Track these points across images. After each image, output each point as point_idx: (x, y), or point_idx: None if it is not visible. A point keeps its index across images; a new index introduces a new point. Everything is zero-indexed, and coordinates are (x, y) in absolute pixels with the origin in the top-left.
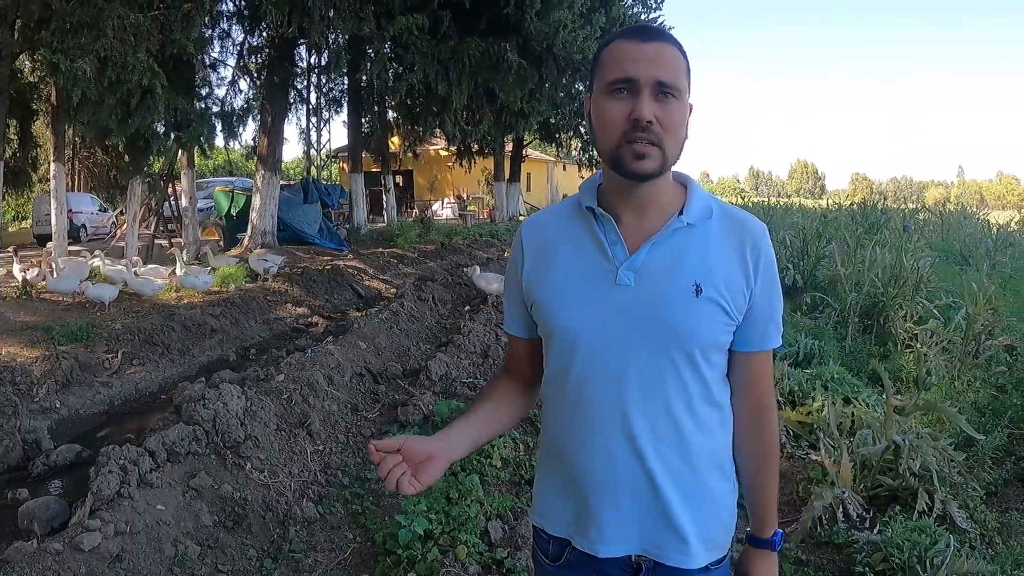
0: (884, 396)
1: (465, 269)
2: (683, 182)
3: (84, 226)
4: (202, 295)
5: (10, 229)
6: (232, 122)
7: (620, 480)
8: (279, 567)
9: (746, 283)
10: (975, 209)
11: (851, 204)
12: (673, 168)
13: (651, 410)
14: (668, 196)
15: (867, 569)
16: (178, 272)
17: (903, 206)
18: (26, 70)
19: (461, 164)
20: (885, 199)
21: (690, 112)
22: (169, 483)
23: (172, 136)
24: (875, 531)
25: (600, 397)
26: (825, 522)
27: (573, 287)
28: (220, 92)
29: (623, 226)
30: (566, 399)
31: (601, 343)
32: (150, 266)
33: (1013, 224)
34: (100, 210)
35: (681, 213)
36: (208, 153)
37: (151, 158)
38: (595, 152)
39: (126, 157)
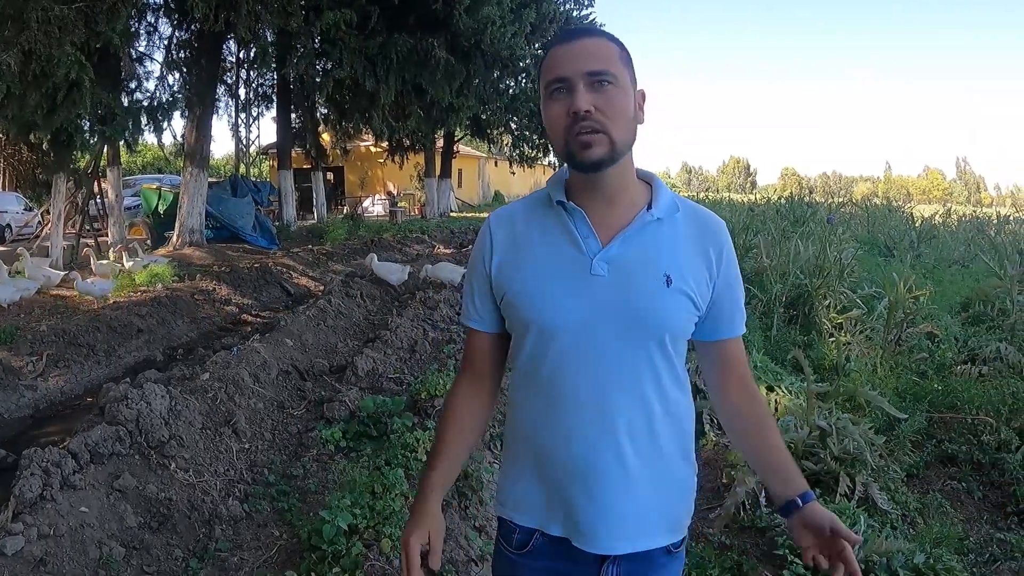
0: (806, 383)
1: (366, 260)
2: (648, 179)
3: (9, 226)
4: (127, 294)
5: None
6: (157, 117)
7: (597, 469)
8: (205, 567)
9: (709, 276)
10: (901, 203)
11: (779, 198)
12: (636, 165)
13: (627, 398)
14: (635, 190)
15: (788, 551)
16: (95, 270)
17: (830, 200)
18: None
19: (393, 160)
20: (812, 193)
21: (642, 98)
22: (93, 485)
23: (97, 131)
24: None
25: (577, 387)
26: (748, 507)
27: (548, 279)
28: (148, 86)
29: (593, 219)
30: (540, 391)
31: (577, 333)
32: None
33: (937, 217)
34: (25, 209)
35: (650, 207)
36: (133, 148)
37: (76, 154)
38: (528, 148)
39: (51, 153)
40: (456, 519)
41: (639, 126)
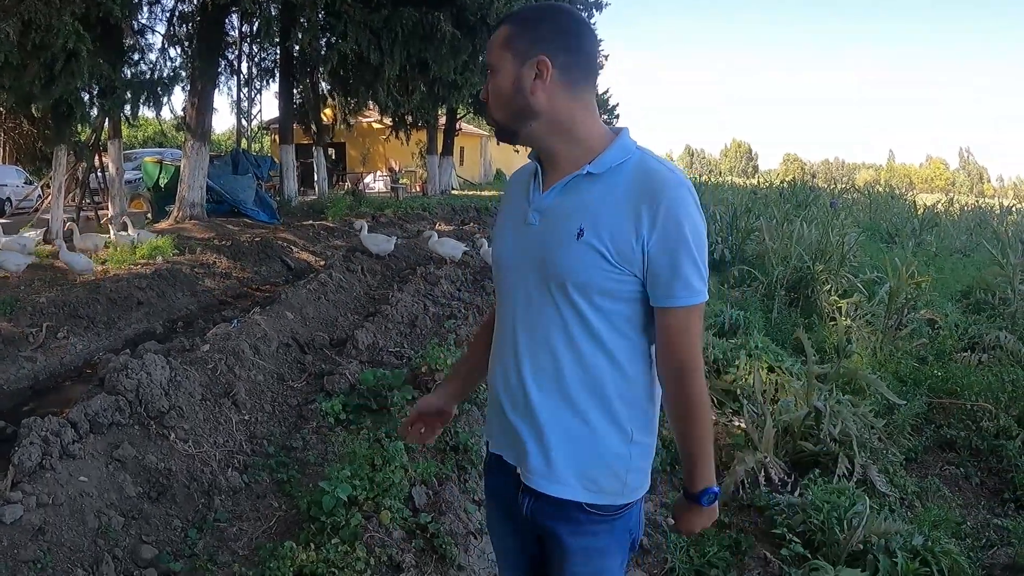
0: (806, 364)
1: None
2: (617, 133)
3: (9, 199)
4: (127, 267)
5: None
6: (158, 91)
7: (506, 392)
8: (204, 537)
9: (636, 235)
10: (904, 192)
11: (781, 183)
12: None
13: (534, 338)
14: (582, 148)
15: (787, 530)
16: (77, 244)
17: (833, 186)
18: None
19: (397, 136)
20: (815, 178)
21: (545, 66)
22: (92, 454)
23: (97, 104)
24: (796, 494)
25: (504, 319)
26: (748, 486)
27: (504, 224)
28: (150, 59)
29: (544, 175)
30: (497, 319)
31: (509, 273)
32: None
33: (939, 206)
34: (25, 182)
35: (590, 163)
36: (132, 121)
37: (76, 127)
38: None
39: (50, 125)
40: (456, 492)
41: (541, 94)
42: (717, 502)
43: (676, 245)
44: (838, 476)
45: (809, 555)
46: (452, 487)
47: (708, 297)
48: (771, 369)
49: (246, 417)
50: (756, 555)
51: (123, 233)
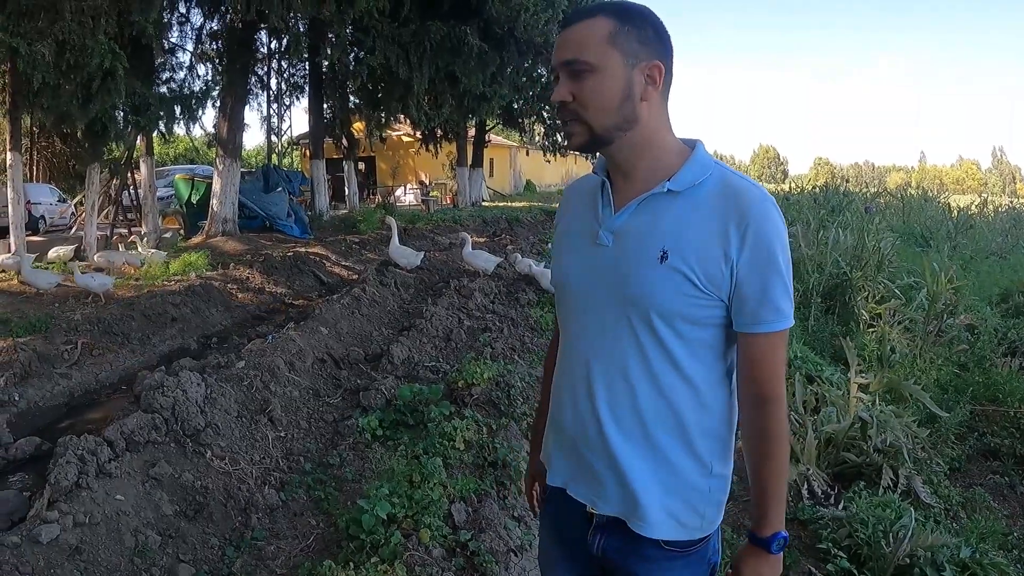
0: (848, 374)
1: (460, 233)
2: (691, 146)
3: (43, 217)
4: (162, 283)
5: None
6: (191, 106)
7: (576, 424)
8: (241, 555)
9: (724, 257)
10: (935, 194)
11: (813, 187)
12: (676, 134)
13: (609, 367)
14: (660, 161)
15: (831, 544)
16: (95, 262)
17: (865, 190)
18: None
19: (427, 149)
20: (847, 182)
21: (659, 71)
22: (128, 473)
23: (131, 121)
24: (840, 507)
25: (575, 348)
26: (790, 499)
27: (568, 243)
28: (179, 77)
29: (615, 190)
30: (560, 345)
31: (579, 298)
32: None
33: (973, 208)
34: (59, 200)
35: (670, 179)
36: (167, 138)
37: (110, 144)
38: (560, 137)
39: (85, 144)
40: (495, 509)
41: (646, 102)
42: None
43: (767, 266)
44: (882, 488)
45: (855, 570)
46: (491, 503)
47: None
48: (810, 379)
49: (282, 434)
50: (801, 570)
51: (132, 252)
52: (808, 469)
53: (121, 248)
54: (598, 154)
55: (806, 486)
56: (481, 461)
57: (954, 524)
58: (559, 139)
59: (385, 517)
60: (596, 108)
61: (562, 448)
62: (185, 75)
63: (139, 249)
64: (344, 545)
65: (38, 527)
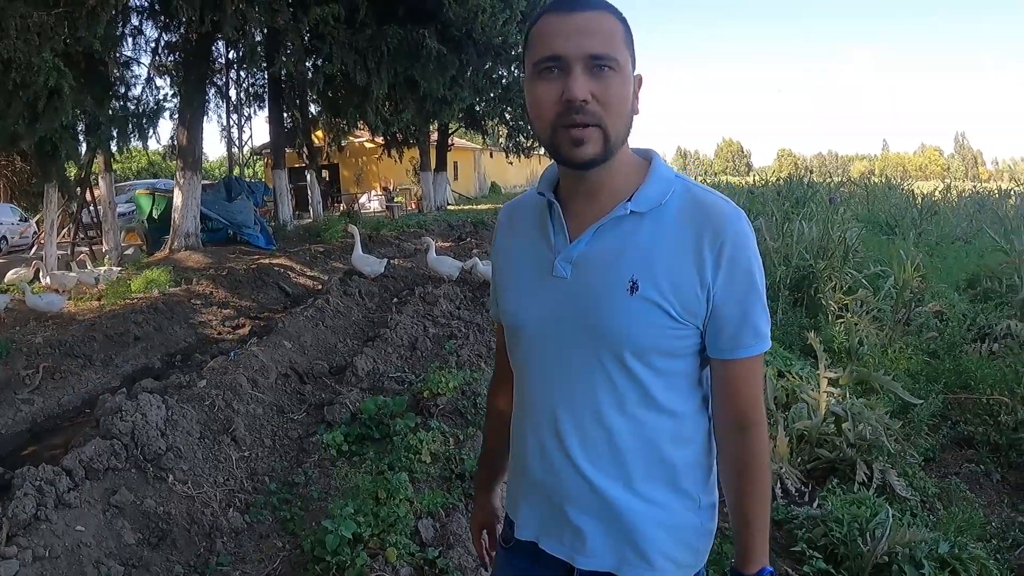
0: (818, 369)
1: (424, 238)
2: (647, 158)
3: (4, 237)
4: (123, 302)
5: None
6: (143, 123)
7: (550, 476)
8: None
9: (700, 282)
10: (899, 181)
11: (777, 180)
12: (631, 144)
13: (580, 413)
14: (622, 178)
15: (807, 545)
16: (45, 283)
17: (829, 180)
18: None
19: (389, 155)
20: (811, 173)
21: (639, 84)
22: (89, 502)
23: (82, 140)
24: (814, 505)
25: (535, 392)
26: None
27: (517, 275)
28: (136, 91)
29: (570, 214)
30: (515, 385)
31: (536, 335)
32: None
33: (937, 194)
34: (21, 220)
35: (631, 199)
36: (119, 156)
37: (64, 163)
38: (523, 138)
39: (37, 164)
40: (463, 523)
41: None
42: None
43: (745, 288)
44: (857, 483)
45: (832, 570)
46: (459, 517)
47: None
48: (780, 374)
49: (246, 453)
50: (777, 572)
51: (85, 271)
52: (781, 467)
53: (74, 267)
54: (545, 171)
55: (779, 485)
56: (448, 473)
57: (931, 516)
58: (522, 140)
59: (351, 537)
60: (618, 113)
61: (532, 501)
62: (143, 89)
63: (90, 267)
64: (310, 567)
65: None
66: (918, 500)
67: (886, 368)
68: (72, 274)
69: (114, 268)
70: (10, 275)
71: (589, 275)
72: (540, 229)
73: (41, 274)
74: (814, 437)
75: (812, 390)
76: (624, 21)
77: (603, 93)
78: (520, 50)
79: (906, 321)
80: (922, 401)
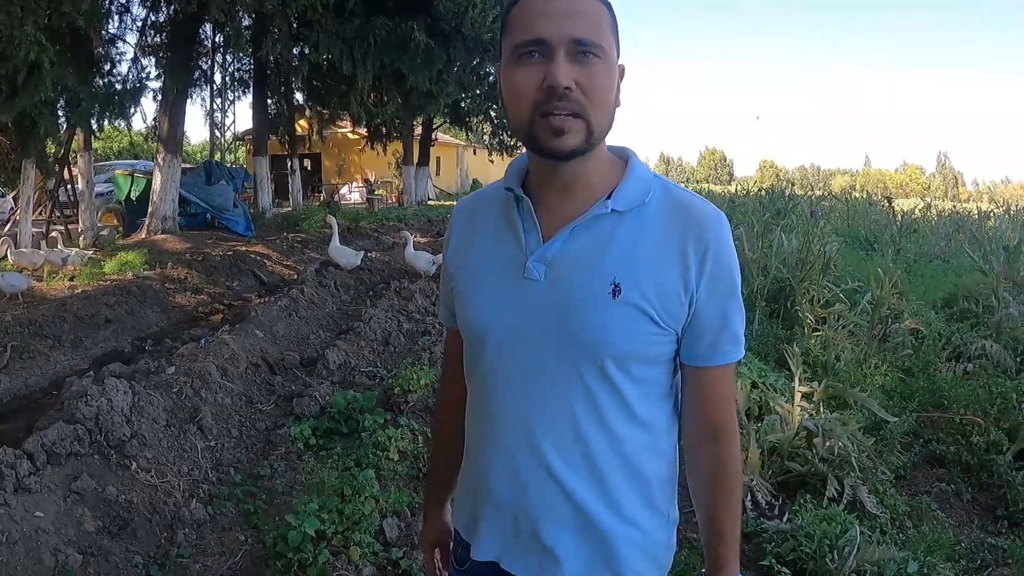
0: (792, 381)
1: (402, 232)
2: (623, 157)
3: None
4: (95, 283)
5: None
6: (124, 102)
7: (524, 500)
8: (166, 574)
9: (684, 285)
10: (880, 197)
11: (759, 190)
12: (608, 141)
13: (556, 424)
14: (599, 175)
15: (775, 560)
16: (12, 260)
17: (810, 193)
18: None
19: (372, 147)
20: (793, 186)
21: (622, 76)
22: (49, 487)
23: (62, 116)
24: (784, 519)
25: (503, 405)
26: None
27: (483, 277)
28: (122, 69)
29: (542, 211)
30: (475, 402)
31: (506, 342)
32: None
33: (917, 212)
34: None
35: (609, 196)
36: (99, 134)
37: (43, 139)
38: (507, 136)
39: (14, 139)
40: None
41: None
42: None
43: (727, 292)
44: (828, 498)
45: None
46: None
47: None
48: (754, 385)
49: (212, 443)
50: None
51: (54, 251)
52: (752, 480)
53: (43, 245)
54: (511, 164)
55: (750, 497)
56: (416, 472)
57: (901, 535)
58: (506, 138)
59: (314, 534)
60: (601, 104)
61: (493, 521)
62: (129, 68)
63: (60, 247)
64: (272, 563)
65: None
66: (888, 518)
67: (861, 383)
68: (41, 252)
69: (85, 251)
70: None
71: (566, 277)
72: (507, 227)
73: (9, 251)
74: (786, 450)
75: (785, 402)
76: (610, 6)
77: (587, 81)
78: None
79: (882, 337)
80: (896, 419)
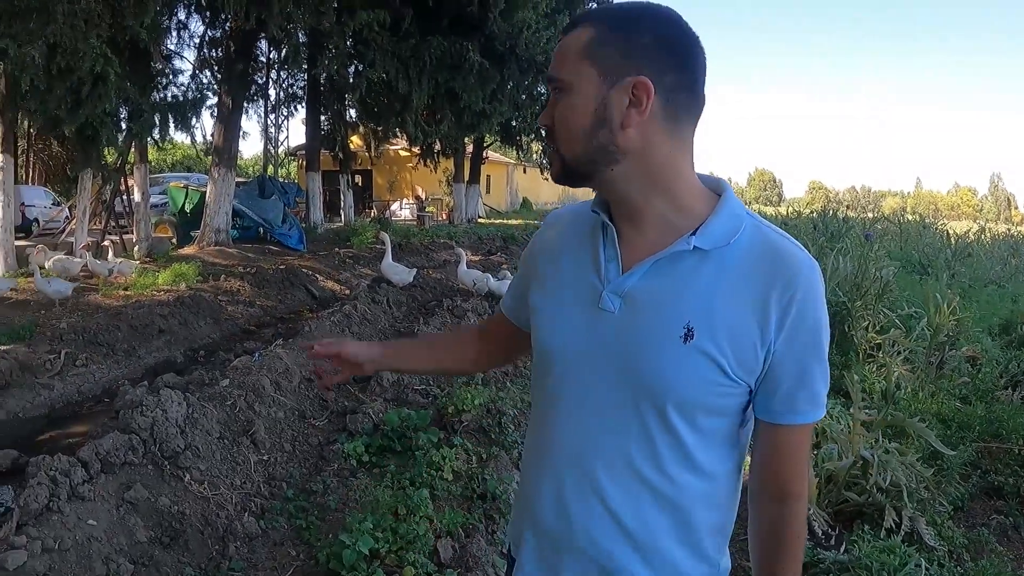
0: (851, 409)
1: (456, 249)
2: (717, 190)
3: (36, 220)
4: (150, 294)
5: None
6: (186, 113)
7: (566, 529)
8: None
9: (761, 337)
10: (932, 219)
11: (811, 212)
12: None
13: (609, 459)
14: (672, 208)
15: None
16: (48, 268)
17: (862, 215)
18: None
19: (425, 164)
20: (847, 208)
21: (645, 90)
22: (102, 496)
23: (124, 127)
24: (842, 550)
25: (560, 428)
26: None
27: (560, 301)
28: (179, 84)
29: (626, 240)
30: (534, 418)
31: (572, 369)
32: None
33: (971, 235)
34: (53, 203)
35: (695, 232)
36: (161, 145)
37: (103, 150)
38: None
39: (77, 149)
40: (483, 545)
41: (632, 130)
42: None
43: (809, 349)
44: (885, 529)
45: None
46: (480, 539)
47: None
48: None
49: (265, 457)
50: None
51: (99, 261)
52: (809, 509)
53: (87, 255)
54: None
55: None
56: (470, 493)
57: (959, 568)
58: None
59: (367, 552)
60: (565, 134)
61: (533, 545)
62: (188, 83)
63: (110, 257)
64: None
65: (5, 552)
66: (946, 550)
67: (919, 412)
68: (77, 260)
69: (133, 261)
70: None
71: (640, 314)
72: (591, 252)
73: (42, 258)
74: (843, 479)
75: (844, 431)
76: (608, 26)
77: (556, 119)
78: None
79: (939, 364)
80: (955, 452)
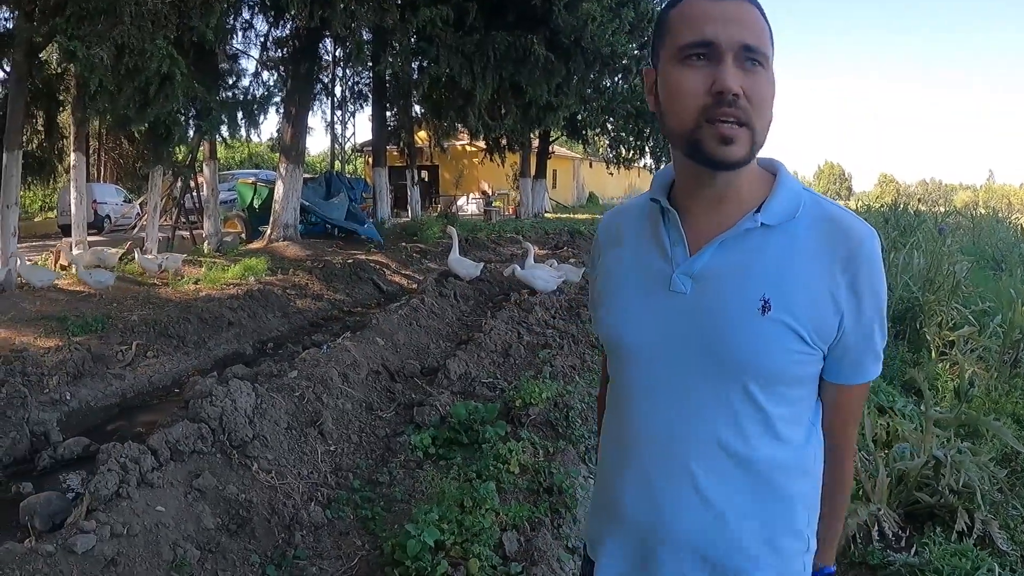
0: (922, 407)
1: (525, 244)
2: (771, 170)
3: (108, 216)
4: (220, 287)
5: (35, 219)
6: (253, 111)
7: (660, 520)
8: (282, 574)
9: (834, 304)
10: (1005, 214)
11: (881, 206)
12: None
13: (701, 446)
14: (749, 188)
15: None
16: (88, 258)
17: (934, 209)
18: (52, 60)
19: (491, 159)
20: (920, 202)
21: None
22: (171, 483)
23: (193, 125)
24: (912, 552)
25: (643, 418)
26: (860, 541)
27: (627, 289)
28: (244, 83)
29: (689, 223)
30: (612, 411)
31: (647, 356)
32: (165, 255)
33: None
34: (124, 200)
35: (759, 210)
36: (229, 142)
37: (174, 148)
38: (622, 150)
39: (148, 146)
40: (549, 539)
41: None
42: None
43: (874, 311)
44: (956, 532)
45: None
46: (545, 533)
47: None
48: (881, 411)
49: (332, 448)
50: None
51: (148, 257)
52: (879, 509)
53: (137, 252)
54: (656, 175)
55: (876, 527)
56: (536, 486)
57: None
58: (623, 151)
59: (433, 544)
60: (764, 114)
61: (619, 543)
62: (251, 81)
63: (155, 255)
64: (388, 571)
65: (74, 536)
66: (1019, 555)
67: (992, 411)
68: (112, 250)
69: (177, 255)
70: (88, 256)
71: (713, 292)
72: (653, 239)
73: (81, 251)
74: (914, 480)
75: (916, 430)
76: (768, 20)
77: (752, 90)
78: (627, 61)
79: (1013, 363)
80: None
